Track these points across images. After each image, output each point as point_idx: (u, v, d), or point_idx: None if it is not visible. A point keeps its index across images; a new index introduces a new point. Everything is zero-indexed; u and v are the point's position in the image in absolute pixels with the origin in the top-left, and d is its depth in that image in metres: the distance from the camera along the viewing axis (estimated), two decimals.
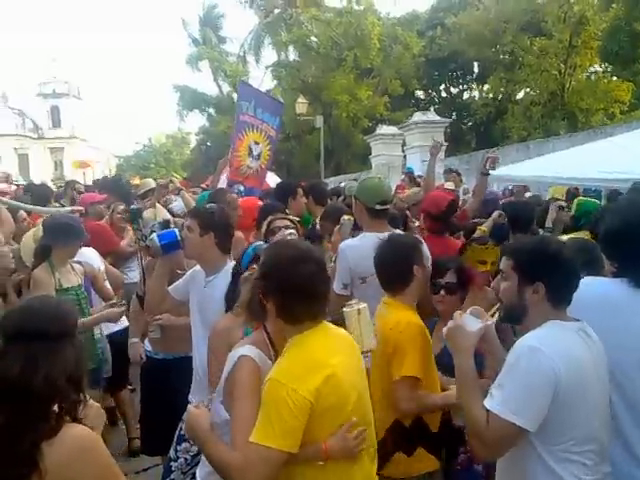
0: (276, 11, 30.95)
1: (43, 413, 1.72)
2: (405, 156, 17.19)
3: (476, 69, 29.26)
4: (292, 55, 30.90)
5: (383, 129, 19.22)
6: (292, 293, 2.09)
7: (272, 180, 9.30)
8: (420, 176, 11.81)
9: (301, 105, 23.04)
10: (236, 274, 2.89)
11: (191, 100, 33.09)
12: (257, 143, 7.45)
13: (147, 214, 5.41)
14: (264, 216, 4.48)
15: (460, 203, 8.66)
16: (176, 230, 3.37)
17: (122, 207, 6.12)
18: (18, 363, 1.70)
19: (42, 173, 47.65)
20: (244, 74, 32.11)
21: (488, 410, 2.07)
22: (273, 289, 2.12)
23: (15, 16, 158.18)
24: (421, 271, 3.06)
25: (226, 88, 32.77)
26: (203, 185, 7.92)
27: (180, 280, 3.48)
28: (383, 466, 2.70)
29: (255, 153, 7.40)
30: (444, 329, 2.32)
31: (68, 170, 48.49)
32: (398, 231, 3.91)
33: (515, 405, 2.03)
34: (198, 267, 3.41)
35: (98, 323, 4.16)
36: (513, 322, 2.34)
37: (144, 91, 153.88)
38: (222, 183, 7.66)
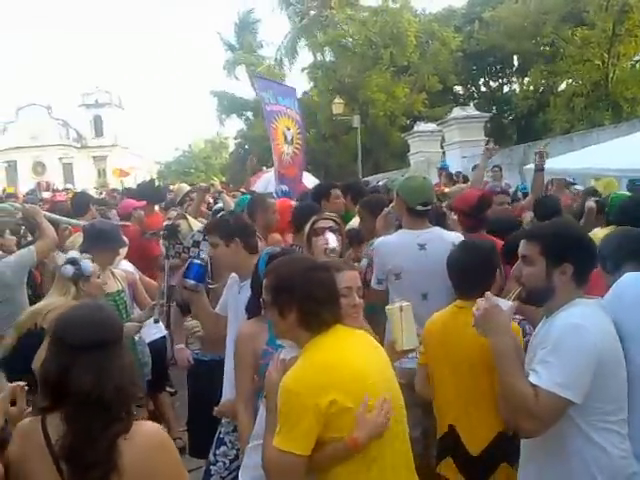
0: (311, 13, 31.01)
1: (117, 416, 1.77)
2: (444, 152, 17.03)
3: (516, 62, 28.74)
4: (328, 56, 30.92)
5: (421, 126, 19.09)
6: (315, 300, 2.13)
7: (309, 181, 9.29)
8: (459, 173, 11.64)
9: (337, 105, 23.05)
10: (255, 281, 2.85)
11: (229, 105, 33.38)
12: (288, 128, 7.52)
13: (183, 228, 5.48)
14: (300, 217, 4.49)
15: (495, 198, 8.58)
16: (194, 260, 3.41)
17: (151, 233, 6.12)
18: (89, 375, 1.75)
19: (86, 181, 48.81)
20: (280, 77, 32.30)
21: (535, 386, 2.14)
22: (295, 300, 2.14)
23: (58, 29, 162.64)
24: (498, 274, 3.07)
25: None
26: (242, 189, 7.98)
27: (222, 296, 3.54)
28: (488, 478, 2.78)
29: (289, 138, 7.47)
30: (475, 312, 2.34)
31: (111, 178, 49.48)
32: (438, 228, 3.84)
33: (565, 379, 2.10)
34: (234, 275, 3.44)
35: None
36: (537, 304, 2.41)
37: (183, 98, 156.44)
38: (259, 186, 7.71)
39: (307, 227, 3.78)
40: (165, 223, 5.31)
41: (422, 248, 3.65)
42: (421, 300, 3.52)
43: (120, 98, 63.76)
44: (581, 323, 2.15)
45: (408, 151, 19.78)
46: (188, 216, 5.84)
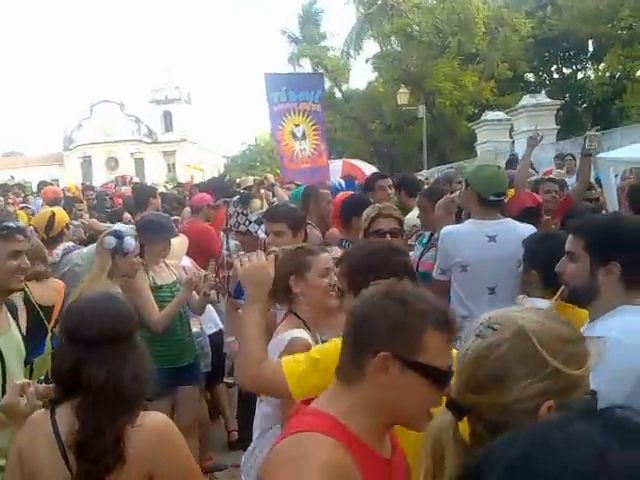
0: (378, 2, 30.72)
1: (129, 408, 1.78)
2: (513, 142, 16.53)
3: (590, 47, 27.64)
4: (394, 45, 30.57)
5: (489, 115, 18.62)
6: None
7: (369, 170, 9.17)
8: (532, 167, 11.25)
9: (403, 95, 22.80)
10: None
11: None
12: (297, 125, 7.39)
13: (255, 203, 5.51)
14: (348, 210, 4.39)
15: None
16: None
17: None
18: (103, 368, 1.75)
19: (156, 175, 50.15)
20: (345, 68, 32.13)
21: None
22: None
23: (130, 27, 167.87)
24: None
25: (327, 84, 32.90)
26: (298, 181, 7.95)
27: None
28: None
29: (299, 135, 7.35)
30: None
31: (181, 171, 50.65)
32: (511, 220, 3.65)
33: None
34: None
35: (178, 305, 4.09)
36: (580, 304, 2.19)
37: (249, 92, 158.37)
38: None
39: (364, 224, 3.55)
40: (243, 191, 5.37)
41: (492, 240, 3.48)
42: (488, 294, 3.37)
43: (189, 94, 65.16)
44: (618, 337, 1.87)
45: (475, 141, 19.31)
46: (265, 197, 5.90)
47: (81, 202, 8.24)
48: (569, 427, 0.64)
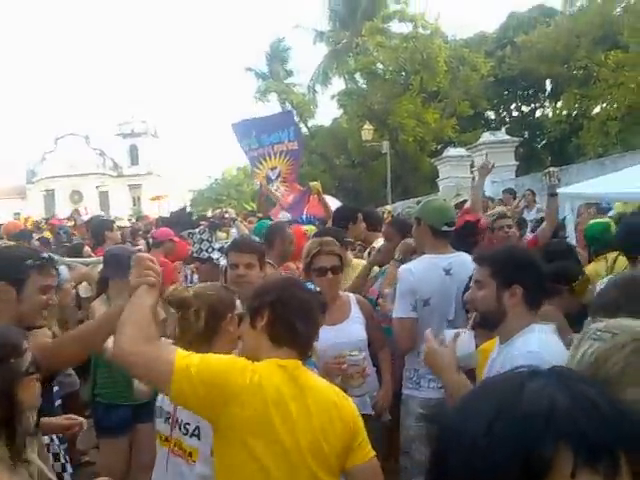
0: (344, 41, 31.39)
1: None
2: (474, 178, 16.90)
3: (548, 86, 28.48)
4: (359, 83, 31.15)
5: (450, 151, 19.04)
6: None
7: (334, 204, 9.25)
8: (489, 198, 11.49)
9: (367, 132, 23.13)
10: None
11: None
12: (274, 168, 7.47)
13: (220, 235, 5.50)
14: (343, 220, 4.44)
15: (531, 225, 8.35)
16: None
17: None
18: None
19: (121, 209, 49.67)
20: (310, 104, 32.58)
21: None
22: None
23: (95, 61, 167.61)
24: None
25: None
26: (259, 214, 8.02)
27: None
28: None
29: (274, 177, 7.43)
30: (423, 356, 2.33)
31: (145, 205, 50.28)
32: (463, 253, 3.73)
33: None
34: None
35: None
36: (490, 328, 2.43)
37: (216, 126, 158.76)
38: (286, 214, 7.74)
39: (306, 258, 3.59)
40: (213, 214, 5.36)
41: (447, 273, 3.54)
42: (446, 327, 3.42)
43: (155, 127, 65.14)
44: (536, 350, 2.12)
45: (438, 176, 19.68)
46: (233, 231, 5.89)
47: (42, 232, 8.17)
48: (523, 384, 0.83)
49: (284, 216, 7.77)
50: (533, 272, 2.34)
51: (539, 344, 2.17)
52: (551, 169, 5.49)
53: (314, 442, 1.93)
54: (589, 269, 4.58)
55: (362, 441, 2.05)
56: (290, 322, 2.04)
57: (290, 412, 1.91)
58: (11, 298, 2.37)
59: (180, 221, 7.31)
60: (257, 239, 4.51)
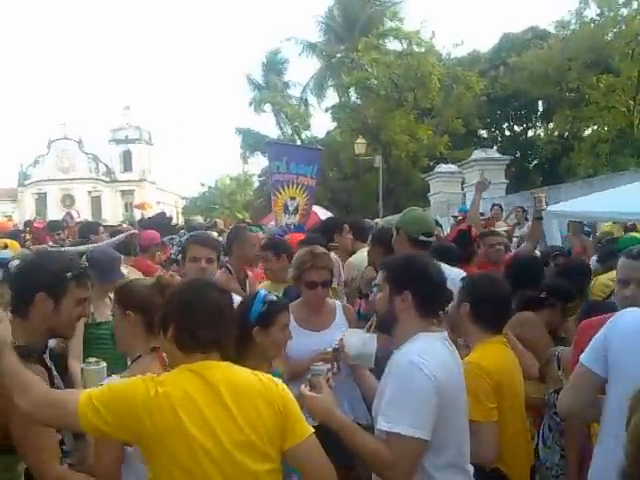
0: (338, 56, 31.58)
1: None
2: (465, 194, 16.97)
3: (540, 107, 28.80)
4: (353, 97, 31.33)
5: (442, 167, 19.13)
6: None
7: (324, 215, 9.29)
8: (481, 214, 11.55)
9: (360, 146, 23.20)
10: (242, 329, 2.65)
11: (253, 142, 33.79)
12: (293, 198, 7.48)
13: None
14: (329, 229, 4.45)
15: (517, 241, 8.40)
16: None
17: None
18: None
19: (113, 215, 49.54)
20: (305, 116, 32.70)
21: (388, 433, 2.16)
22: None
23: (92, 68, 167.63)
24: None
25: (288, 131, 33.39)
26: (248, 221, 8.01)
27: None
28: None
29: (291, 208, 7.43)
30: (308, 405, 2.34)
31: (138, 211, 50.18)
32: (441, 263, 3.72)
33: (413, 419, 2.14)
34: None
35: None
36: (386, 331, 2.51)
37: (211, 135, 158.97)
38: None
39: (296, 269, 3.57)
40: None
41: None
42: None
43: (150, 134, 65.08)
44: (418, 359, 2.20)
45: (429, 192, 19.77)
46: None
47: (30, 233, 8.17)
48: None
49: (272, 226, 7.79)
50: (426, 281, 2.40)
51: (419, 352, 2.24)
52: (538, 193, 5.63)
53: (241, 437, 1.94)
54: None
55: (296, 420, 2.04)
56: (191, 330, 2.02)
57: (203, 415, 1.91)
58: (48, 309, 2.37)
59: (159, 226, 7.25)
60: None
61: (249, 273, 4.85)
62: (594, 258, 6.40)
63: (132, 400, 1.91)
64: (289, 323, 2.86)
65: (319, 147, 8.61)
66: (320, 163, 8.12)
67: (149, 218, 9.73)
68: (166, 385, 1.93)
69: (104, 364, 2.58)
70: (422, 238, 3.66)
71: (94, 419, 1.90)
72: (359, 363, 2.76)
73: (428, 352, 2.25)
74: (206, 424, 1.90)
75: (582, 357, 2.41)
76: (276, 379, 2.13)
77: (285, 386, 2.11)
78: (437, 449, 2.22)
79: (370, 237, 4.67)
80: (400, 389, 2.19)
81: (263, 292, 2.90)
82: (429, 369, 2.18)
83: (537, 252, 6.96)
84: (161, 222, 7.52)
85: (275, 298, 2.86)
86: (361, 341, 2.69)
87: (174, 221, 11.59)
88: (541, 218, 5.50)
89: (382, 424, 2.19)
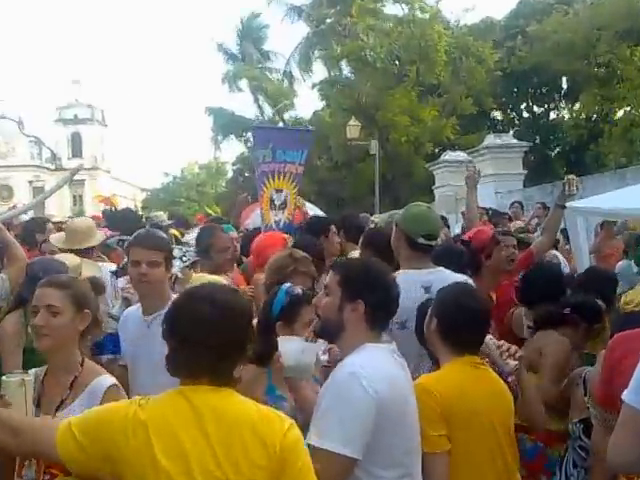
0: (328, 21, 31.53)
1: None
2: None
3: (565, 84, 28.89)
4: (345, 71, 31.33)
5: (449, 155, 19.17)
6: None
7: (311, 211, 9.29)
8: (495, 210, 11.55)
9: (353, 128, 23.19)
10: (265, 323, 3.02)
11: (227, 124, 33.75)
12: (279, 190, 7.45)
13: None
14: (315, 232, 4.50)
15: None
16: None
17: None
18: None
19: (60, 209, 49.15)
20: (288, 94, 32.67)
21: (315, 447, 2.23)
22: None
23: (35, 35, 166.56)
24: None
25: (268, 110, 33.38)
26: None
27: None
28: None
29: (278, 202, 7.40)
30: None
31: (89, 205, 49.91)
32: (444, 269, 3.73)
33: (344, 434, 2.26)
34: (131, 308, 3.64)
35: None
36: (328, 338, 2.70)
37: (176, 116, 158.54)
38: (255, 221, 7.74)
39: (274, 273, 3.66)
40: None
41: (427, 291, 3.53)
42: (426, 353, 3.38)
43: (103, 113, 64.82)
44: (358, 371, 2.34)
45: (434, 184, 19.83)
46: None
47: None
48: None
49: (253, 222, 7.77)
50: (382, 292, 2.54)
51: (362, 364, 2.38)
52: (571, 176, 5.54)
53: (216, 474, 1.93)
54: None
55: (298, 472, 2.01)
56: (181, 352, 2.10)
57: (179, 441, 1.94)
58: None
59: (126, 221, 7.24)
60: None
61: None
62: (627, 262, 6.46)
63: (109, 422, 2.01)
64: (313, 320, 2.99)
65: (309, 127, 8.55)
66: (310, 146, 8.11)
67: (113, 212, 9.66)
68: (147, 407, 2.00)
69: (30, 377, 2.60)
70: (422, 241, 3.64)
71: (71, 446, 2.03)
72: (295, 375, 2.82)
73: (372, 365, 2.38)
74: (179, 453, 1.94)
75: (626, 395, 2.20)
76: (284, 416, 2.10)
77: (294, 424, 2.08)
78: (383, 469, 2.35)
79: (361, 239, 4.66)
80: (335, 401, 2.32)
81: (288, 284, 3.15)
82: (370, 382, 2.31)
83: (558, 254, 6.97)
84: (128, 218, 7.47)
85: (300, 291, 3.08)
86: (299, 349, 2.78)
87: None
88: (564, 207, 5.45)
89: (312, 437, 2.27)
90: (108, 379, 2.67)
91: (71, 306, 2.70)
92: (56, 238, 5.62)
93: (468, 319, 2.86)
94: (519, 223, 8.64)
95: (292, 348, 2.80)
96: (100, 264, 5.33)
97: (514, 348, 3.07)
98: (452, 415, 2.73)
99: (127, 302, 3.83)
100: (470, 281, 3.56)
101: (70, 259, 4.60)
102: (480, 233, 5.26)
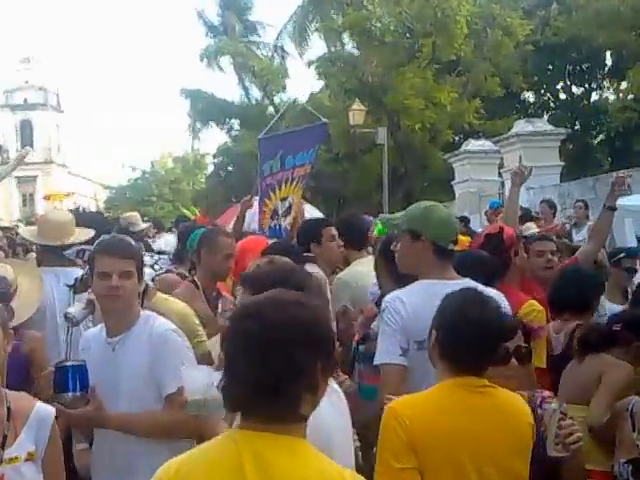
0: None
1: None
2: (503, 182, 17.03)
3: (609, 60, 29.01)
4: (348, 46, 31.37)
5: (471, 144, 19.20)
6: None
7: (311, 214, 9.39)
8: (527, 209, 11.59)
9: (357, 113, 23.16)
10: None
11: (206, 109, 33.80)
12: (284, 199, 7.60)
13: None
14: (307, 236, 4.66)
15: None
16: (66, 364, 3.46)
17: None
18: None
19: (6, 210, 49.20)
20: (280, 73, 32.69)
21: None
22: None
23: None
24: None
25: (255, 92, 33.47)
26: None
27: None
28: None
29: (281, 211, 7.56)
30: None
31: (41, 206, 49.85)
32: (470, 280, 3.77)
33: None
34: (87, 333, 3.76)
35: None
36: None
37: (146, 100, 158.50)
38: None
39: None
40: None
41: None
42: None
43: (58, 97, 64.89)
44: None
45: (454, 178, 19.87)
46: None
47: None
48: None
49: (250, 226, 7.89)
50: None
51: None
52: (622, 173, 5.62)
53: None
54: None
55: None
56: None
57: None
58: None
59: (93, 225, 7.27)
60: None
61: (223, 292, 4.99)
62: None
63: None
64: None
65: (323, 120, 8.48)
66: (323, 140, 8.22)
67: (79, 213, 9.65)
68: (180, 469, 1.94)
69: None
70: (451, 247, 3.71)
71: None
72: (201, 413, 2.80)
73: None
74: None
75: None
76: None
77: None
78: None
79: (379, 246, 4.68)
80: None
81: None
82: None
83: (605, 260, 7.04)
84: (95, 221, 7.48)
85: None
86: (209, 380, 2.70)
87: None
88: (615, 209, 5.49)
89: None
90: (48, 406, 2.79)
91: None
92: (28, 231, 5.68)
93: (471, 332, 2.76)
94: (531, 226, 8.46)
95: (198, 378, 2.75)
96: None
97: (575, 437, 2.85)
98: (424, 447, 2.69)
99: (92, 306, 3.85)
100: (502, 296, 3.56)
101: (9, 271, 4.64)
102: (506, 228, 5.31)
